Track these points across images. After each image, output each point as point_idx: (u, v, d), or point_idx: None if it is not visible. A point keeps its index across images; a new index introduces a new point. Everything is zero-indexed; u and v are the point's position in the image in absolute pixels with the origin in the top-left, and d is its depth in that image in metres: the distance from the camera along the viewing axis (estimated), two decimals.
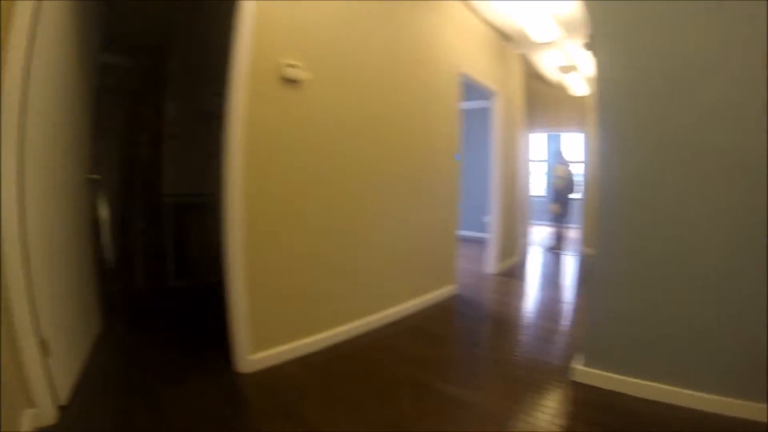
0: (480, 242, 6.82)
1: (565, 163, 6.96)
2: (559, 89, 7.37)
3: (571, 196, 6.95)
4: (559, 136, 9.59)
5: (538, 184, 9.91)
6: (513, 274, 5.19)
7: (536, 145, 9.41)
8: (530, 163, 7.36)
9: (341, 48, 2.85)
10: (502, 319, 3.60)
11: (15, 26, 1.71)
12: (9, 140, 1.70)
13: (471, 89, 4.87)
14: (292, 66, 2.50)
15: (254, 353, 2.44)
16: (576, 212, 7.41)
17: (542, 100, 7.60)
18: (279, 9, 2.45)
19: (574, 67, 6.07)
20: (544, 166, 10.33)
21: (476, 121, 6.89)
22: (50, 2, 1.88)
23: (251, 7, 2.30)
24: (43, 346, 1.84)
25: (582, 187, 6.90)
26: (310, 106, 2.66)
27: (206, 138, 3.89)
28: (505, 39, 5.26)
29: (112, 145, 4.23)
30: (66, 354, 2.10)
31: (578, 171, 6.97)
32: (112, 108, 4.01)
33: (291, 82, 2.52)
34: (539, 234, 8.67)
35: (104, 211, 3.89)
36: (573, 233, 7.87)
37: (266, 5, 2.37)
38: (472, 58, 4.42)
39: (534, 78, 7.06)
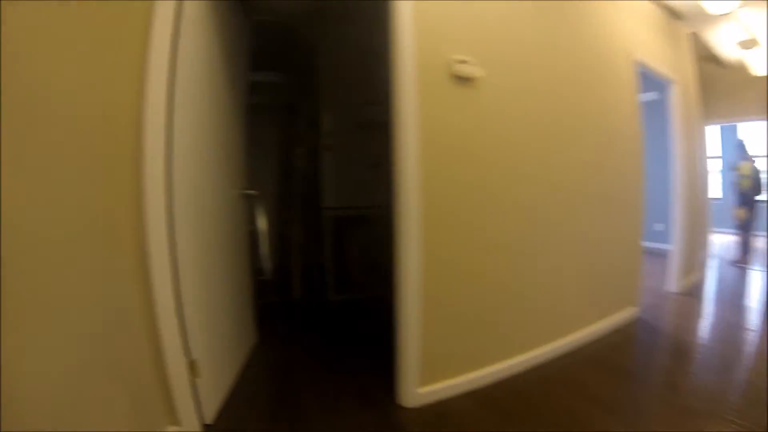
0: (652, 253, 5.96)
1: (750, 159, 5.82)
2: (737, 70, 6.22)
3: (758, 198, 5.81)
4: (734, 126, 8.20)
5: (715, 185, 8.52)
6: (697, 294, 4.38)
7: (710, 138, 8.12)
8: (708, 160, 6.31)
9: (510, 40, 2.49)
10: (691, 351, 2.93)
11: (156, 38, 1.69)
12: (156, 156, 1.68)
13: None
14: (462, 62, 2.23)
15: (422, 385, 2.18)
16: (764, 218, 6.19)
17: (717, 85, 6.47)
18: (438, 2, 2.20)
19: (755, 41, 5.05)
20: (719, 163, 8.86)
21: (645, 116, 6.05)
22: (191, 25, 1.86)
23: (407, 6, 2.07)
24: (192, 368, 1.81)
25: None
26: (484, 108, 2.35)
27: (365, 149, 3.82)
28: (675, 17, 4.51)
29: (270, 160, 4.36)
30: (216, 372, 2.06)
31: (764, 167, 5.79)
32: (266, 123, 4.15)
33: (463, 80, 2.24)
34: (720, 244, 7.40)
35: (262, 224, 4.02)
36: (761, 243, 6.60)
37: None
38: (644, 42, 3.78)
39: (706, 60, 6.05)
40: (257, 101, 3.79)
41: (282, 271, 4.06)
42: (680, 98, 4.37)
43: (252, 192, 2.86)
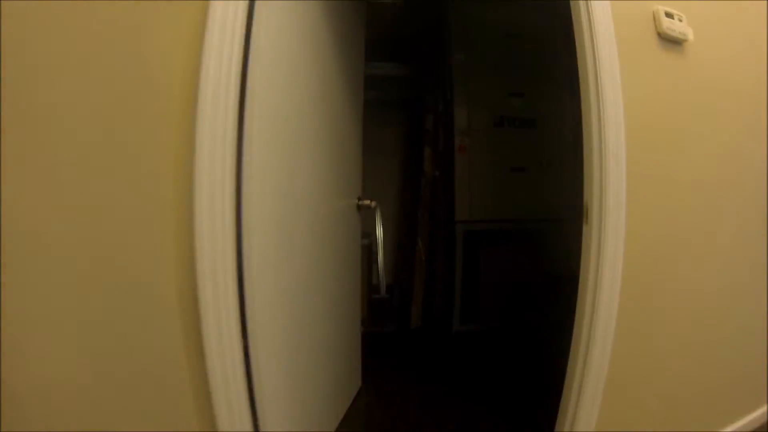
0: None
1: None
2: None
3: None
4: None
5: None
6: None
7: None
8: None
9: None
10: None
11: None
12: (216, 151, 1.09)
13: None
14: (671, 16, 1.45)
15: None
16: None
17: None
18: None
19: None
20: None
21: None
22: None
23: None
24: None
25: None
26: (699, 84, 1.56)
27: (506, 151, 3.13)
28: None
29: (390, 163, 3.87)
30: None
31: None
32: (387, 121, 3.65)
33: (671, 43, 1.46)
34: None
35: (379, 234, 3.51)
36: None
37: None
38: None
39: None
40: (376, 96, 3.24)
41: (400, 294, 3.53)
42: None
43: (369, 203, 2.35)
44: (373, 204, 2.40)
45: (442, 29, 3.17)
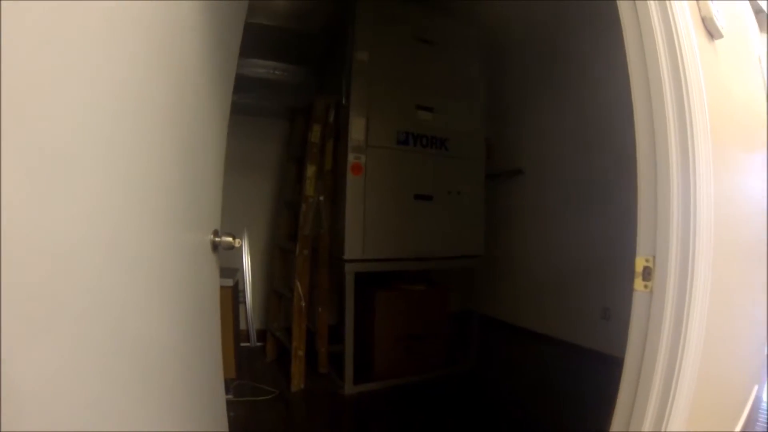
0: None
1: None
2: None
3: None
4: None
5: None
6: None
7: None
8: None
9: None
10: None
11: None
12: None
13: None
14: None
15: None
16: None
17: None
18: None
19: None
20: None
21: None
22: None
23: None
24: None
25: None
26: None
27: (409, 173, 2.53)
28: None
29: (265, 183, 3.11)
30: None
31: None
32: (263, 131, 2.93)
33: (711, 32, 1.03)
34: None
35: (246, 274, 2.76)
36: None
37: None
38: None
39: None
40: (251, 101, 2.79)
41: (278, 350, 2.75)
42: None
43: (231, 240, 1.53)
44: (237, 242, 1.59)
45: (346, 21, 2.48)
